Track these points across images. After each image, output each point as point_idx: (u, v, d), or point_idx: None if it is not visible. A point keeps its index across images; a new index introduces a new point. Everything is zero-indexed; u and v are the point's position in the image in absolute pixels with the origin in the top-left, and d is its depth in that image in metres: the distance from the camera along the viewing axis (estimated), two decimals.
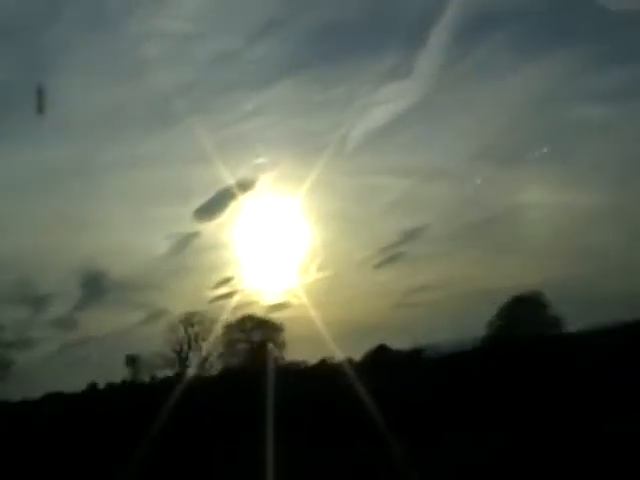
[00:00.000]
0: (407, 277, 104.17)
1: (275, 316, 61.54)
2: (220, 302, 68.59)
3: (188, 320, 57.03)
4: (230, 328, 56.04)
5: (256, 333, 56.58)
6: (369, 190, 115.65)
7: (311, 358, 66.02)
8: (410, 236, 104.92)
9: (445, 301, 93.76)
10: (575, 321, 59.36)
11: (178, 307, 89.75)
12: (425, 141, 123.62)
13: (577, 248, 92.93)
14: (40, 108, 28.37)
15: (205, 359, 56.99)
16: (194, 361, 56.51)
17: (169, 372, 58.72)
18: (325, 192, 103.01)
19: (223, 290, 73.55)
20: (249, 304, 62.96)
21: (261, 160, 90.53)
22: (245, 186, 67.80)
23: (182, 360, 56.62)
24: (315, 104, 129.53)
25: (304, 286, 64.89)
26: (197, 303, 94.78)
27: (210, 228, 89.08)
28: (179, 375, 54.59)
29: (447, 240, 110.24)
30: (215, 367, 57.74)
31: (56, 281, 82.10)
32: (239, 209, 70.10)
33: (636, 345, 45.02)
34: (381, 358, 61.91)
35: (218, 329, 55.19)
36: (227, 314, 56.21)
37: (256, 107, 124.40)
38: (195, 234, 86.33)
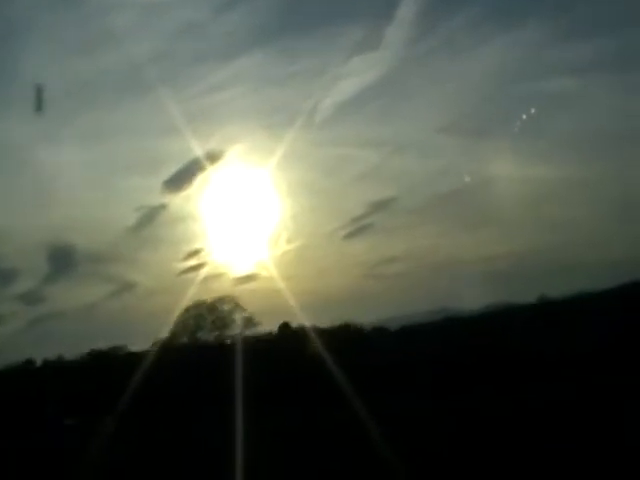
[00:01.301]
0: (376, 248, 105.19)
1: (244, 288, 61.65)
2: (189, 274, 68.46)
3: None
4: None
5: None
6: (338, 162, 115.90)
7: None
8: (379, 207, 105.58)
9: (413, 273, 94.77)
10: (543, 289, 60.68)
11: (147, 279, 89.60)
12: (394, 113, 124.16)
13: (543, 220, 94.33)
14: (38, 106, 27.98)
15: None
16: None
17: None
18: (294, 164, 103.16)
19: (192, 262, 73.48)
20: (218, 276, 62.86)
21: (230, 131, 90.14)
22: (214, 157, 67.44)
23: None
24: (284, 76, 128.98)
25: (273, 258, 64.88)
26: (166, 275, 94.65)
27: (179, 200, 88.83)
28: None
29: (415, 212, 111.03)
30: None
31: (23, 255, 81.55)
32: (208, 181, 69.87)
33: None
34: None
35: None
36: (196, 286, 56.06)
37: (225, 78, 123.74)
38: (164, 206, 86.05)
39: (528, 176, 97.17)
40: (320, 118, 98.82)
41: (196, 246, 75.70)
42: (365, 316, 69.88)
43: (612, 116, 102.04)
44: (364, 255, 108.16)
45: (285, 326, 60.10)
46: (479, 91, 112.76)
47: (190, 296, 55.44)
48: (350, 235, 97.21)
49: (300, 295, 57.32)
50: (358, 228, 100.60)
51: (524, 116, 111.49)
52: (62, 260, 79.50)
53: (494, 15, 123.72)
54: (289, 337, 56.74)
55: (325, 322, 59.92)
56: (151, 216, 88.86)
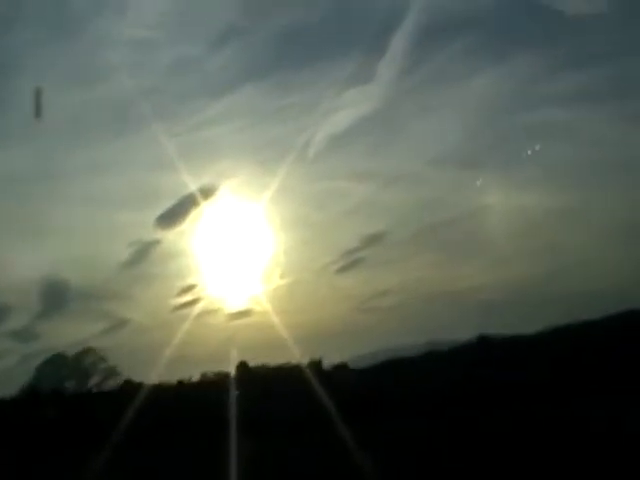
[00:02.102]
0: (368, 282, 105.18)
1: (239, 323, 61.88)
2: (183, 310, 68.56)
3: None
4: None
5: None
6: (331, 195, 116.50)
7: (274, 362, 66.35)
8: (371, 241, 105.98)
9: (405, 305, 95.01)
10: (532, 321, 61.05)
11: (141, 316, 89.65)
12: (386, 146, 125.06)
13: (535, 250, 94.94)
14: (37, 112, 28.28)
15: None
16: None
17: None
18: (287, 198, 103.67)
19: (186, 298, 73.49)
20: (212, 311, 63.21)
21: (223, 166, 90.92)
22: (207, 193, 67.84)
23: None
24: (277, 110, 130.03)
25: (267, 293, 65.27)
26: (160, 311, 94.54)
27: (172, 235, 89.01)
28: None
29: (407, 244, 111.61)
30: None
31: (15, 291, 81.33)
32: (201, 216, 70.10)
33: None
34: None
35: None
36: (190, 321, 56.30)
37: (218, 113, 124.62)
38: (157, 241, 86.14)
39: (519, 206, 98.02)
40: (313, 152, 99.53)
41: (190, 282, 75.89)
42: (357, 349, 70.14)
43: (603, 146, 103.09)
44: (356, 289, 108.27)
45: (243, 365, 60.67)
46: (471, 123, 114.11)
47: (184, 331, 55.84)
48: (342, 269, 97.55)
49: (294, 329, 57.29)
50: (350, 262, 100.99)
51: (514, 147, 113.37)
52: (55, 296, 79.36)
53: (485, 47, 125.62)
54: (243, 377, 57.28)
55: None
56: (144, 252, 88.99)
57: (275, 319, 56.07)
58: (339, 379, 52.46)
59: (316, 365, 60.60)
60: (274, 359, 64.09)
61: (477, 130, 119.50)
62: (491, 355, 52.54)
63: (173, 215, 74.53)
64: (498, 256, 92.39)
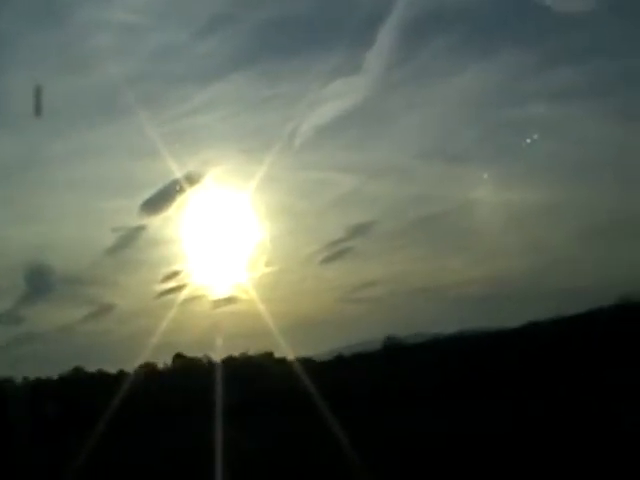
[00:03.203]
0: (353, 273, 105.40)
1: (223, 310, 61.72)
2: (168, 296, 68.38)
3: None
4: None
5: None
6: (317, 185, 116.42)
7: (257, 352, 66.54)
8: (357, 232, 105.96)
9: (390, 297, 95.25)
10: (518, 315, 61.45)
11: (125, 301, 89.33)
12: (373, 138, 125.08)
13: (521, 244, 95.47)
14: (37, 109, 28.13)
15: None
16: None
17: None
18: (273, 187, 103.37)
19: (171, 284, 73.31)
20: (197, 298, 62.91)
21: (209, 154, 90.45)
22: (192, 180, 67.13)
23: None
24: (263, 99, 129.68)
25: (252, 280, 65.02)
26: (144, 297, 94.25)
27: (157, 222, 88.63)
28: None
29: (393, 236, 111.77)
30: None
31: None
32: (186, 203, 69.57)
33: None
34: None
35: None
36: (174, 308, 56.14)
37: (204, 101, 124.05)
38: (142, 227, 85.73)
39: (506, 200, 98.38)
40: (299, 142, 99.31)
41: (175, 268, 75.68)
42: (339, 340, 70.26)
43: (591, 141, 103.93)
44: (342, 279, 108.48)
45: (179, 356, 60.89)
46: (458, 116, 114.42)
47: (169, 318, 55.62)
48: (328, 259, 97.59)
49: (278, 318, 57.48)
50: (336, 252, 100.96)
51: (502, 141, 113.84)
52: (39, 281, 78.67)
53: (473, 41, 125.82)
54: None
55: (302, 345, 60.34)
56: (129, 238, 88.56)
57: (260, 307, 55.94)
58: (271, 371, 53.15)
59: (268, 357, 60.94)
60: (258, 347, 64.41)
61: (464, 124, 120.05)
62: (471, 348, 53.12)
63: (158, 201, 74.04)
64: (484, 250, 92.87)
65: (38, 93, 27.88)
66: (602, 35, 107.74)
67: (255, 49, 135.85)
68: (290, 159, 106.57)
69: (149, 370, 59.75)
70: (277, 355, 60.88)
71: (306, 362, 54.99)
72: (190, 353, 63.77)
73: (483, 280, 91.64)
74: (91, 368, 65.21)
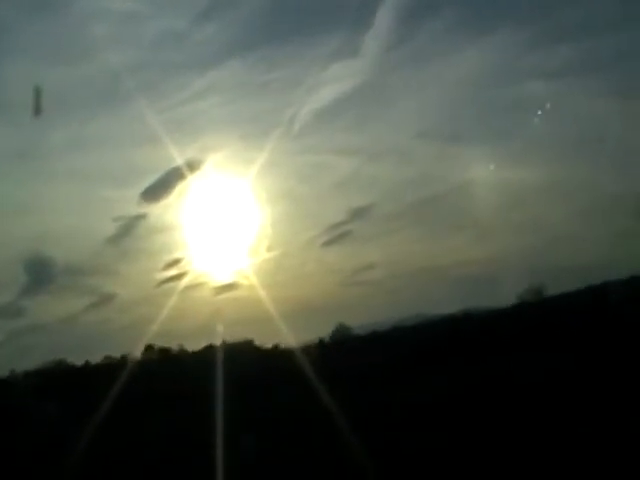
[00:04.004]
0: (354, 255, 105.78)
1: (225, 296, 62.22)
2: (169, 284, 68.74)
3: None
4: None
5: None
6: (317, 169, 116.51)
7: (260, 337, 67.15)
8: (357, 214, 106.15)
9: (390, 279, 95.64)
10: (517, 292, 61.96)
11: (127, 290, 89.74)
12: (372, 120, 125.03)
13: (520, 222, 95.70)
14: (37, 109, 28.25)
15: None
16: None
17: None
18: (273, 172, 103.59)
19: (172, 272, 73.75)
20: (198, 285, 63.44)
21: (208, 141, 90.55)
22: (192, 167, 67.87)
23: None
24: (262, 85, 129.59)
25: (253, 266, 65.46)
26: (146, 286, 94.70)
27: (158, 210, 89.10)
28: None
29: (393, 218, 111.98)
30: None
31: (1, 267, 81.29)
32: (187, 190, 70.21)
33: None
34: None
35: None
36: (176, 296, 56.58)
37: (203, 88, 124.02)
38: (142, 216, 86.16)
39: (506, 180, 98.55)
40: (298, 126, 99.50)
41: (176, 256, 76.23)
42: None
43: (588, 119, 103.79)
44: (343, 262, 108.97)
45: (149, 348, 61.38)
46: (456, 97, 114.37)
47: (170, 305, 56.01)
48: (328, 242, 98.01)
49: (280, 303, 58.02)
50: (336, 235, 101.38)
51: (501, 121, 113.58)
52: (40, 272, 79.37)
53: (470, 21, 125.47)
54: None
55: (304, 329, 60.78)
56: (130, 226, 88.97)
57: (261, 293, 56.67)
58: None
59: (248, 345, 61.35)
60: (260, 333, 64.96)
61: (462, 105, 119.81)
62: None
63: (158, 189, 74.61)
64: (484, 230, 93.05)
65: (38, 94, 28.03)
66: (598, 12, 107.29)
67: (253, 35, 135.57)
68: (289, 144, 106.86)
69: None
70: (258, 342, 61.36)
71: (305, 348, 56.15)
72: (192, 340, 64.25)
73: (483, 260, 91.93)
74: (97, 357, 66.10)
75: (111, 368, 52.85)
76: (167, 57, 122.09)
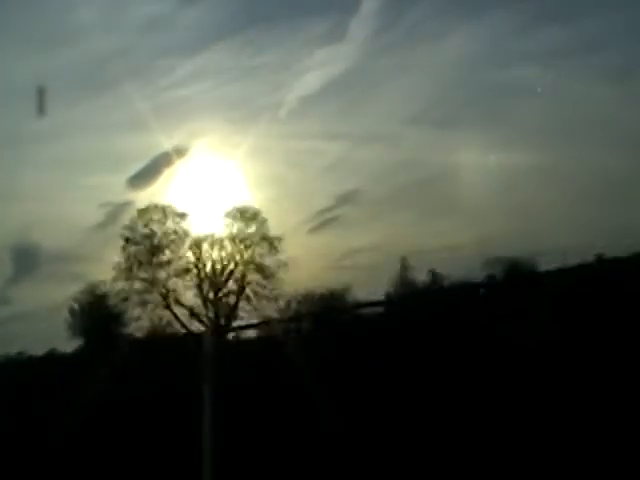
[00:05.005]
0: (342, 240, 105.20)
1: None
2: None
3: None
4: None
5: None
6: (304, 154, 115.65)
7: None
8: (345, 199, 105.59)
9: (378, 264, 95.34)
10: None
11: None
12: (359, 105, 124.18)
13: (510, 207, 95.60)
14: (41, 109, 27.81)
15: None
16: None
17: None
18: (260, 157, 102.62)
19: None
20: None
21: (195, 126, 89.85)
22: (179, 152, 67.18)
23: None
24: (249, 69, 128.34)
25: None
26: None
27: (145, 196, 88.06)
28: None
29: (382, 203, 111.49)
30: None
31: None
32: (174, 176, 69.49)
33: None
34: None
35: None
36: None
37: (189, 73, 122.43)
38: (129, 202, 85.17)
39: (494, 164, 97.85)
40: (285, 111, 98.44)
41: None
42: None
43: (577, 103, 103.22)
44: (331, 246, 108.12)
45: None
46: (444, 81, 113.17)
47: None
48: (317, 227, 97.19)
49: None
50: (325, 220, 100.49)
51: (490, 105, 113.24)
52: (26, 260, 78.62)
53: (458, 4, 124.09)
54: None
55: None
56: (117, 213, 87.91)
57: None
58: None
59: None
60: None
61: (451, 88, 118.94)
62: None
63: (145, 176, 73.74)
64: (473, 214, 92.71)
65: (41, 94, 27.57)
66: None
67: (239, 19, 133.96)
68: (277, 128, 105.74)
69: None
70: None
71: None
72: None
73: (473, 244, 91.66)
74: None
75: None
76: (152, 42, 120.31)
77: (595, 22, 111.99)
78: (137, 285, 54.24)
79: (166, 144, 70.67)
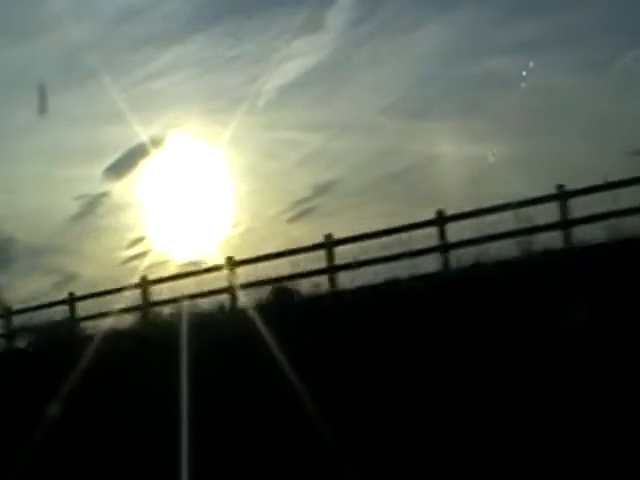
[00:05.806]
0: (320, 231, 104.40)
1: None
2: (133, 263, 67.51)
3: None
4: None
5: None
6: (282, 145, 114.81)
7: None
8: (323, 190, 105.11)
9: (356, 254, 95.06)
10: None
11: (89, 270, 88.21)
12: (337, 96, 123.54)
13: (487, 198, 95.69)
14: (42, 108, 27.14)
15: None
16: None
17: None
18: (237, 148, 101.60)
19: (136, 250, 72.11)
20: (162, 263, 62.24)
21: (172, 117, 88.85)
22: (156, 143, 65.85)
23: None
24: (226, 60, 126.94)
25: (218, 243, 64.62)
26: (109, 265, 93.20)
27: (121, 187, 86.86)
28: None
29: (360, 193, 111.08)
30: None
31: None
32: (150, 167, 68.50)
33: None
34: None
35: None
36: (139, 274, 55.63)
37: (166, 63, 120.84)
38: (105, 194, 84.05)
39: (471, 154, 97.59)
40: (263, 102, 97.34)
41: (139, 234, 74.43)
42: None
43: (553, 94, 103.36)
44: (309, 237, 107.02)
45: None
46: (421, 72, 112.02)
47: (134, 285, 54.95)
48: (295, 217, 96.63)
49: (245, 279, 57.20)
50: (302, 211, 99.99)
51: (467, 96, 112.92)
52: (1, 253, 77.50)
53: None
54: None
55: None
56: (92, 205, 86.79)
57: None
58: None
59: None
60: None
61: (429, 79, 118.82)
62: None
63: (121, 167, 72.53)
64: (451, 205, 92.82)
65: (42, 92, 27.01)
66: None
67: (216, 10, 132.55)
68: (254, 119, 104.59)
69: None
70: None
71: None
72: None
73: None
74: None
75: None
76: (129, 33, 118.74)
77: (574, 14, 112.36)
78: None
79: (143, 135, 69.75)
